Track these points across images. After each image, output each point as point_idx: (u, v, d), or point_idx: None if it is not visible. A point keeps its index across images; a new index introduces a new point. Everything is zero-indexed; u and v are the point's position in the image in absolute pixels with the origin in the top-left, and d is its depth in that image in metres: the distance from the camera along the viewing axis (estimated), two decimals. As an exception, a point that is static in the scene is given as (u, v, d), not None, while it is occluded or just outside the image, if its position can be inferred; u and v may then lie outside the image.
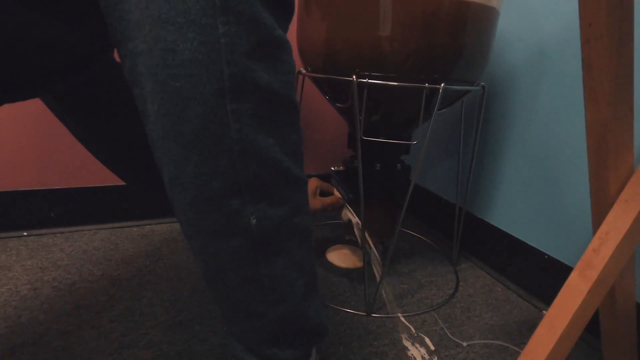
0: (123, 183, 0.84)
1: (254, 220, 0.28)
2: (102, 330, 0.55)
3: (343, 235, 0.75)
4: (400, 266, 0.79)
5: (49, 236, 0.79)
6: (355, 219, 0.68)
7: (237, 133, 0.25)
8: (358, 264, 0.76)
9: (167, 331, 0.55)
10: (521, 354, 0.35)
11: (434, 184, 0.97)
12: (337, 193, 0.70)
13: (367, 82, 0.56)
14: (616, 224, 0.33)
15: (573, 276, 0.34)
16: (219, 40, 0.23)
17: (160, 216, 0.90)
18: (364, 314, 0.62)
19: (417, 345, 0.56)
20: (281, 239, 0.29)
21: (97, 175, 0.83)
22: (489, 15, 0.57)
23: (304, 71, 0.66)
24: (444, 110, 0.69)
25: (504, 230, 0.76)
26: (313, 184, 0.71)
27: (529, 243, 0.71)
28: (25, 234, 0.79)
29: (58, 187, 0.80)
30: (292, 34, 0.88)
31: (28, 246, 0.75)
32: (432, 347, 0.56)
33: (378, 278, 0.64)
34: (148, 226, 0.88)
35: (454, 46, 0.56)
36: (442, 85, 0.56)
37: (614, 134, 0.32)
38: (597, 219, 0.35)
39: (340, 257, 0.77)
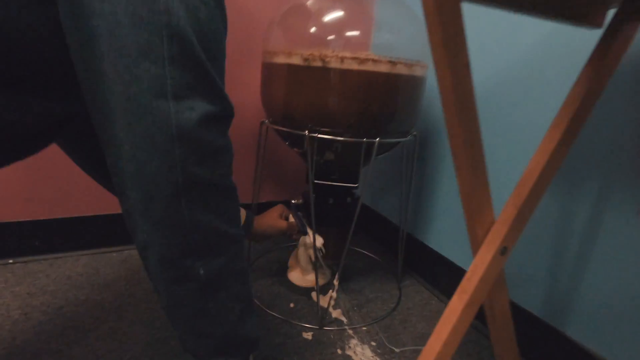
0: (103, 213, 0.93)
1: (202, 271, 0.40)
2: (90, 348, 0.63)
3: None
4: (353, 283, 0.91)
5: (34, 263, 0.87)
6: (310, 240, 0.80)
7: (189, 216, 0.37)
8: (313, 283, 0.87)
9: (147, 348, 0.65)
10: (420, 354, 0.47)
11: (385, 208, 1.11)
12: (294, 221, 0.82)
13: (317, 136, 0.69)
14: (481, 261, 0.46)
15: (454, 298, 0.47)
16: (175, 159, 0.35)
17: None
18: (317, 327, 0.74)
19: (360, 353, 0.68)
20: (222, 280, 0.41)
21: (79, 206, 0.91)
22: (415, 83, 0.71)
23: (266, 121, 0.78)
24: (384, 154, 0.83)
25: (438, 251, 0.90)
26: (280, 209, 0.83)
27: (456, 263, 0.85)
28: (11, 261, 0.86)
29: (42, 218, 0.88)
30: (256, 89, 1.00)
31: (15, 273, 0.82)
32: (371, 354, 0.68)
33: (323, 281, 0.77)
34: (126, 251, 0.96)
35: (387, 109, 0.69)
36: (377, 139, 0.69)
37: (476, 197, 0.45)
38: (474, 256, 0.49)
39: (299, 276, 0.88)
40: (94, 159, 0.55)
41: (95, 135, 0.52)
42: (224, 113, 0.38)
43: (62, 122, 0.42)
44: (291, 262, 0.91)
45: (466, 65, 0.38)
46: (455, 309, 0.46)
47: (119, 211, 1.00)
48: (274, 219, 0.81)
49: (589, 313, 0.60)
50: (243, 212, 0.75)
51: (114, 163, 0.36)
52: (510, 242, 0.46)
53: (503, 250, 0.46)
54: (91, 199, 0.92)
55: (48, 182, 0.87)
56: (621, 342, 0.56)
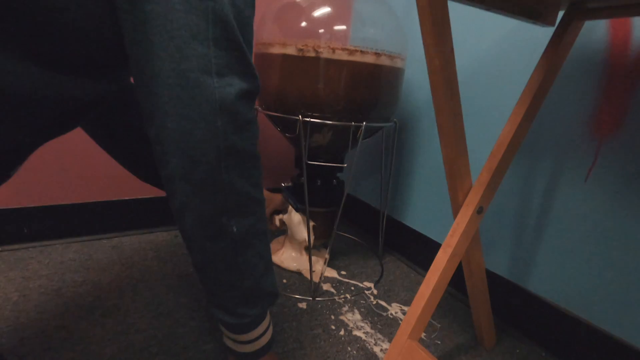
0: (92, 200, 0.94)
1: (235, 228, 0.44)
2: (96, 322, 0.66)
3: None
4: (339, 262, 0.98)
5: (22, 251, 0.86)
6: (298, 219, 0.86)
7: (227, 179, 0.42)
8: (303, 265, 0.91)
9: (152, 320, 0.68)
10: (411, 304, 0.55)
11: (365, 194, 1.19)
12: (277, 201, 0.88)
13: (309, 120, 0.75)
14: (462, 219, 0.55)
15: (439, 252, 0.55)
16: (218, 128, 0.40)
17: (126, 229, 1.00)
18: (310, 298, 0.80)
19: (351, 318, 0.75)
20: (250, 237, 0.47)
21: (68, 193, 0.92)
22: (396, 73, 0.79)
23: (259, 108, 0.83)
24: (368, 139, 0.90)
25: (416, 229, 0.99)
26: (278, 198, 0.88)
27: (433, 238, 0.94)
28: (-1, 249, 0.85)
29: (31, 205, 0.88)
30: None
31: (4, 260, 0.82)
32: (361, 318, 0.75)
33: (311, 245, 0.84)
34: (116, 238, 0.97)
35: (371, 96, 0.77)
36: (364, 123, 0.76)
37: (457, 164, 0.53)
38: (455, 217, 0.57)
39: (287, 258, 0.93)
40: (120, 140, 0.59)
41: (123, 116, 0.56)
42: (255, 90, 0.43)
43: (98, 102, 0.46)
44: (276, 246, 0.96)
45: (451, 50, 0.46)
46: (441, 260, 0.54)
47: (109, 198, 1.01)
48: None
49: (548, 270, 0.70)
50: None
51: (157, 132, 0.40)
52: (485, 202, 0.55)
53: (480, 210, 0.55)
54: (81, 186, 0.93)
55: (36, 169, 0.88)
56: (576, 291, 0.66)
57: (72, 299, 0.72)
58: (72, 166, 0.91)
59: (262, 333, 0.52)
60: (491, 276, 0.78)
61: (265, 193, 0.85)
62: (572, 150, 0.65)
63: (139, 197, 1.01)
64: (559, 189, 0.67)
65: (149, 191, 1.02)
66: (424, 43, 0.45)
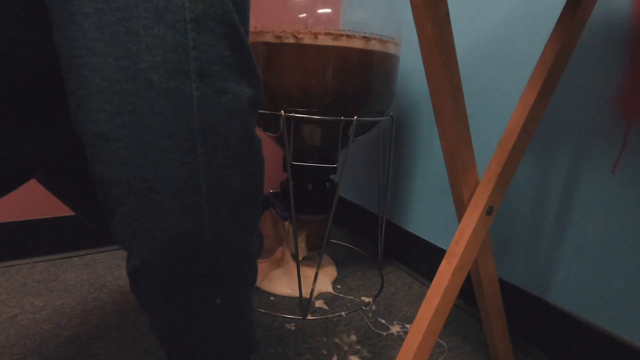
0: (60, 215, 0.86)
1: (218, 300, 0.31)
2: (50, 355, 0.57)
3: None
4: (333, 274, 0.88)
5: (-18, 272, 0.78)
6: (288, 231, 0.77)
7: (212, 235, 0.28)
8: (292, 288, 0.80)
9: (117, 350, 0.59)
10: (412, 324, 0.45)
11: (362, 198, 1.09)
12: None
13: (293, 115, 0.66)
14: (468, 223, 0.45)
15: (443, 263, 0.46)
16: (197, 159, 0.26)
17: (102, 245, 0.92)
18: (300, 317, 0.71)
19: (346, 339, 0.66)
20: (237, 304, 0.33)
21: (33, 208, 0.84)
22: (389, 60, 0.71)
23: (238, 106, 0.75)
24: (360, 137, 0.82)
25: (419, 235, 0.89)
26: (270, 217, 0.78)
27: (438, 245, 0.84)
28: (-44, 271, 0.77)
29: (-8, 222, 0.80)
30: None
31: (-40, 283, 0.74)
32: (357, 340, 0.65)
33: (301, 257, 0.75)
34: (89, 255, 0.89)
35: (363, 86, 0.68)
36: (355, 117, 0.68)
37: (460, 156, 0.44)
38: (459, 220, 0.48)
39: (270, 279, 0.82)
40: (78, 192, 0.46)
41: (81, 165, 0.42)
42: (259, 99, 0.30)
43: (51, 155, 0.33)
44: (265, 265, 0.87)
45: (446, 15, 0.38)
46: (445, 273, 0.45)
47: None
48: (270, 232, 0.77)
49: (570, 278, 0.60)
50: None
51: (95, 168, 0.27)
52: (495, 201, 0.46)
53: (489, 210, 0.46)
54: (48, 200, 0.85)
55: None
56: (602, 303, 0.56)
57: (27, 327, 0.63)
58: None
59: None
60: (504, 286, 0.69)
61: (266, 227, 0.75)
62: (596, 136, 0.56)
63: (115, 209, 0.93)
64: (581, 182, 0.58)
65: (126, 202, 0.93)
66: (412, 5, 0.37)
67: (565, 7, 0.46)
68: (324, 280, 0.83)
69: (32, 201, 0.83)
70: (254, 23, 0.67)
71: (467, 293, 0.74)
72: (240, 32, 0.27)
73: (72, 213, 0.87)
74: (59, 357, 0.57)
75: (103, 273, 0.82)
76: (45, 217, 0.85)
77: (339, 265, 0.92)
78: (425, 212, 0.88)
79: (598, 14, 0.54)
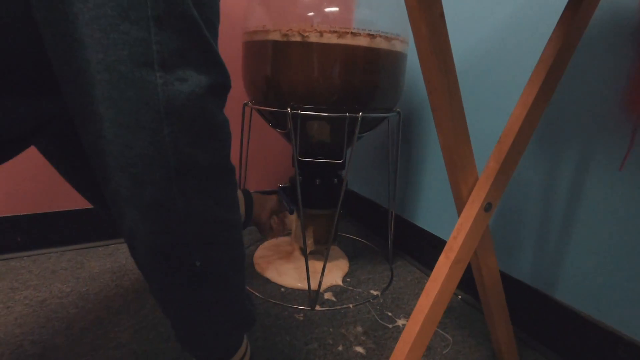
0: (86, 207, 0.91)
1: (198, 262, 0.35)
2: (74, 337, 0.62)
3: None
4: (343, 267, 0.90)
5: (16, 260, 0.84)
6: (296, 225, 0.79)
7: (183, 203, 0.32)
8: (301, 282, 0.81)
9: (135, 334, 0.63)
10: (410, 317, 0.47)
11: (373, 193, 1.10)
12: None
13: (299, 112, 0.68)
14: (466, 218, 0.46)
15: (441, 257, 0.47)
16: (165, 138, 0.30)
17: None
18: (308, 308, 0.73)
19: (352, 331, 0.68)
20: (219, 270, 0.37)
21: (62, 200, 0.89)
22: (395, 57, 0.71)
23: (249, 103, 0.78)
24: (369, 132, 0.83)
25: (428, 230, 0.90)
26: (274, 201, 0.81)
27: (446, 240, 0.85)
28: (-8, 259, 0.84)
29: (23, 214, 0.86)
30: (237, 71, 1.00)
31: (-4, 270, 0.80)
32: (363, 331, 0.67)
33: (308, 251, 0.77)
34: (112, 245, 0.94)
35: (369, 83, 0.69)
36: (360, 114, 0.69)
37: (458, 153, 0.45)
38: (459, 215, 0.49)
39: (280, 273, 0.84)
40: (75, 165, 0.50)
41: (75, 139, 0.45)
42: (222, 83, 0.33)
43: (45, 122, 0.38)
44: (270, 253, 0.90)
45: (441, 15, 0.38)
46: (443, 267, 0.46)
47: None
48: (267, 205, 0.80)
49: (576, 275, 0.60)
50: (241, 196, 0.73)
51: (93, 142, 0.31)
52: (494, 198, 0.46)
53: (487, 207, 0.46)
54: (75, 192, 0.90)
55: (30, 176, 0.85)
56: (609, 301, 0.56)
57: (55, 311, 0.68)
58: (65, 172, 0.89)
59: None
60: (510, 282, 0.69)
61: (258, 196, 0.79)
62: (603, 133, 0.55)
63: (136, 202, 0.97)
64: (587, 179, 0.57)
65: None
66: (407, 6, 0.38)
67: (568, 5, 0.46)
68: (336, 273, 0.85)
69: (61, 194, 0.88)
70: (262, 22, 0.69)
71: (474, 287, 0.75)
72: (199, 25, 0.31)
73: (96, 206, 0.93)
74: (83, 339, 0.61)
75: (125, 262, 0.86)
76: (72, 209, 0.90)
77: (349, 259, 0.94)
78: (435, 207, 0.88)
79: (605, 11, 0.53)
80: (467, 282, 0.75)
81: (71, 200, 0.90)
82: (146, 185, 0.31)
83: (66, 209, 0.90)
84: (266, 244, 0.98)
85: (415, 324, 0.45)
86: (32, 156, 0.85)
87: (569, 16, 0.45)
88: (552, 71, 0.45)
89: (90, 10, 0.28)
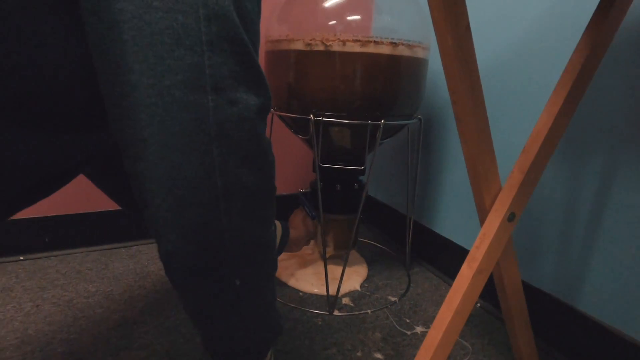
0: (109, 209, 0.94)
1: (237, 282, 0.36)
2: (101, 336, 0.64)
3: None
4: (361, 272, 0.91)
5: (44, 259, 0.87)
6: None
7: (227, 224, 0.33)
8: (319, 287, 0.81)
9: (158, 335, 0.65)
10: (431, 326, 0.47)
11: (392, 199, 1.10)
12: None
13: (322, 120, 0.69)
14: (489, 228, 0.46)
15: (463, 267, 0.47)
16: (214, 160, 0.31)
17: (146, 237, 0.99)
18: (327, 313, 0.74)
19: (370, 337, 0.68)
20: (257, 287, 0.39)
21: (87, 202, 0.92)
22: (417, 64, 0.72)
23: (271, 109, 0.79)
24: (389, 139, 0.83)
25: (447, 237, 0.90)
26: (300, 215, 0.83)
27: (466, 248, 0.84)
28: (22, 258, 0.87)
29: (52, 214, 0.89)
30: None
31: (26, 269, 0.83)
32: (381, 337, 0.68)
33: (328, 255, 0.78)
34: (135, 247, 0.96)
35: (390, 90, 0.70)
36: (382, 121, 0.69)
37: (482, 163, 0.45)
38: (481, 225, 0.49)
39: (298, 278, 0.85)
40: (119, 186, 0.53)
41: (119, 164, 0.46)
42: (268, 104, 0.34)
43: (95, 154, 0.39)
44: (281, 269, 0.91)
45: (467, 28, 0.39)
46: (465, 277, 0.46)
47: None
48: (299, 225, 0.81)
49: (601, 286, 0.59)
50: (278, 225, 0.74)
51: (134, 167, 0.31)
52: (517, 208, 0.46)
53: (511, 217, 0.46)
54: (100, 195, 0.93)
55: (57, 179, 0.89)
56: (634, 313, 0.55)
57: (82, 310, 0.70)
58: (91, 175, 0.92)
59: None
60: (532, 291, 0.68)
61: (296, 221, 0.79)
62: (629, 139, 0.54)
63: (158, 205, 1.00)
64: (614, 187, 0.57)
65: (168, 199, 1.00)
66: (432, 19, 0.38)
67: (597, 11, 0.45)
68: (354, 279, 0.85)
69: (86, 197, 0.91)
70: (285, 31, 0.70)
71: (494, 295, 0.74)
72: (249, 49, 0.32)
73: (120, 208, 0.95)
74: (109, 338, 0.63)
75: (147, 263, 0.89)
76: (97, 210, 0.93)
77: (367, 264, 0.94)
78: (454, 214, 0.88)
79: (634, 16, 0.53)
80: (486, 290, 0.74)
81: (95, 203, 0.93)
82: (192, 206, 0.31)
83: (90, 211, 0.93)
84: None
85: (437, 333, 0.45)
86: (61, 159, 0.88)
87: (597, 24, 0.45)
88: (578, 81, 0.45)
89: (145, 37, 0.28)
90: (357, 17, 0.68)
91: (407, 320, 0.73)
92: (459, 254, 0.85)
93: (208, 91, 0.30)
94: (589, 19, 0.46)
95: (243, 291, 0.37)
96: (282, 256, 0.94)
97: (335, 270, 0.87)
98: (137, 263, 0.89)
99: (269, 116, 0.81)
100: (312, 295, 0.80)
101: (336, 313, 0.74)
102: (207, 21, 0.29)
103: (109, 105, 0.31)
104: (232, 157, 0.32)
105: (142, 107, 0.29)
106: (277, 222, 0.73)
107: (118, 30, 0.28)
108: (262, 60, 0.78)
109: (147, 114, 0.29)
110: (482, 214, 0.48)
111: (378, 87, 0.69)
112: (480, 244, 0.46)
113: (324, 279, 0.76)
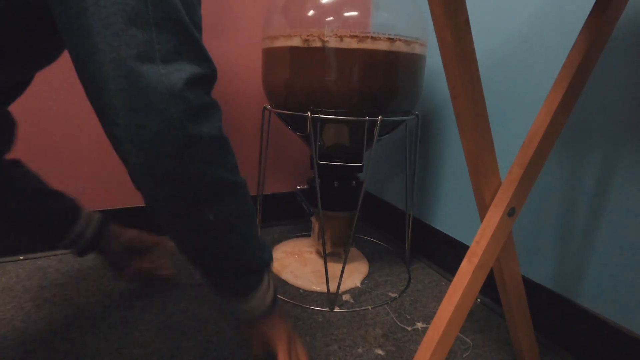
0: (109, 207, 0.94)
1: (211, 216, 0.43)
2: (102, 335, 0.64)
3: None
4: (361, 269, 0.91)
5: (43, 259, 0.87)
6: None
7: (193, 169, 0.39)
8: (319, 286, 0.81)
9: (159, 333, 0.65)
10: (432, 321, 0.47)
11: (390, 195, 1.10)
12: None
13: (319, 116, 0.69)
14: (490, 223, 0.46)
15: (464, 262, 0.47)
16: (172, 116, 0.37)
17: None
18: (328, 309, 0.74)
19: (371, 333, 0.68)
20: (233, 223, 0.45)
21: (87, 201, 0.92)
22: (415, 60, 0.71)
23: (269, 107, 0.79)
24: (387, 135, 0.83)
25: (446, 233, 0.90)
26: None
27: (466, 243, 0.85)
28: (21, 257, 0.87)
29: (51, 214, 0.88)
30: (258, 77, 1.01)
31: (25, 269, 0.83)
32: (382, 334, 0.68)
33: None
34: (134, 245, 0.96)
35: (388, 86, 0.69)
36: (380, 117, 0.69)
37: (482, 159, 0.45)
38: (481, 220, 0.49)
39: (296, 276, 0.84)
40: None
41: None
42: (209, 74, 0.41)
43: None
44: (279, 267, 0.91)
45: (466, 22, 0.39)
46: (466, 272, 0.46)
47: (127, 205, 1.00)
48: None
49: (601, 280, 0.59)
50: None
51: (111, 131, 0.38)
52: (517, 203, 0.46)
53: (511, 212, 0.46)
54: (97, 194, 0.93)
55: (55, 179, 0.88)
56: (634, 307, 0.55)
57: (83, 309, 0.70)
58: (88, 174, 0.91)
59: (264, 296, 0.53)
60: (532, 286, 0.68)
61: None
62: (629, 135, 0.54)
63: (157, 203, 0.99)
64: (614, 182, 0.57)
65: (167, 197, 1.00)
66: (432, 14, 0.38)
67: (595, 7, 0.45)
68: (355, 276, 0.85)
69: (86, 196, 0.91)
70: (282, 28, 0.70)
71: (495, 291, 0.74)
72: (190, 29, 0.38)
73: (120, 205, 0.95)
74: (110, 337, 0.63)
75: (147, 262, 0.88)
76: (96, 209, 0.93)
77: (367, 261, 0.94)
78: (453, 210, 0.88)
79: (632, 12, 0.52)
80: (486, 285, 0.75)
81: (95, 202, 0.93)
82: (162, 157, 0.37)
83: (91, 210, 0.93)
84: (281, 246, 0.99)
85: (438, 328, 0.46)
86: (57, 158, 0.87)
87: (595, 20, 0.45)
88: (577, 76, 0.45)
89: (104, 19, 0.34)
90: (355, 13, 0.68)
91: (408, 316, 0.73)
92: (458, 250, 0.85)
93: (158, 62, 0.36)
94: (587, 14, 0.46)
95: (219, 225, 0.44)
96: (281, 254, 0.94)
97: (334, 267, 0.87)
98: (137, 262, 0.88)
99: (267, 113, 0.81)
100: (312, 292, 0.80)
101: (337, 310, 0.74)
102: (153, 5, 0.35)
103: (84, 80, 0.38)
104: (185, 113, 0.37)
105: (109, 79, 0.35)
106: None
107: (83, 16, 0.35)
108: (259, 57, 0.78)
109: (114, 84, 0.35)
110: (482, 209, 0.48)
111: (375, 83, 0.68)
112: (481, 239, 0.46)
113: (324, 277, 0.76)
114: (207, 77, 0.40)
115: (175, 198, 0.40)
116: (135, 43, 0.35)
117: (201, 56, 0.40)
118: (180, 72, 0.37)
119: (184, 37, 0.38)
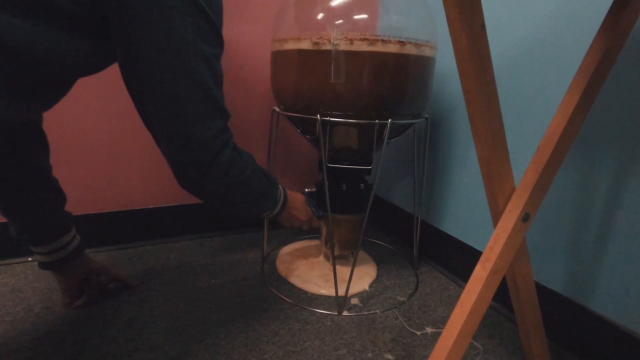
0: (118, 209, 0.94)
1: (248, 173, 0.61)
2: (111, 337, 0.64)
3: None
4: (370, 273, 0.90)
5: (52, 260, 0.87)
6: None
7: (219, 179, 0.57)
8: (327, 290, 0.81)
9: (167, 336, 0.65)
10: (444, 328, 0.47)
11: (398, 198, 1.10)
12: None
13: (329, 119, 0.69)
14: (504, 228, 0.46)
15: (477, 267, 0.46)
16: (198, 74, 0.51)
17: (151, 238, 0.99)
18: (336, 313, 0.73)
19: (380, 335, 0.68)
20: (248, 177, 0.61)
21: (95, 203, 0.92)
22: (424, 63, 0.71)
23: (277, 109, 0.79)
24: (396, 138, 0.82)
25: (455, 236, 0.89)
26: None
27: (474, 247, 0.84)
28: (30, 259, 0.87)
29: (59, 216, 0.89)
30: (266, 79, 1.01)
31: (34, 270, 0.83)
32: (391, 338, 0.67)
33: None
34: (141, 247, 0.96)
35: (397, 89, 0.69)
36: (390, 120, 0.69)
37: (496, 164, 0.45)
38: (495, 225, 0.48)
39: (309, 285, 0.83)
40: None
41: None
42: (220, 52, 0.54)
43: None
44: (294, 260, 0.90)
45: (482, 27, 0.38)
46: (479, 278, 0.45)
47: (134, 207, 1.00)
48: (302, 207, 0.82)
49: (613, 286, 0.58)
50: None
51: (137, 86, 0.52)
52: (532, 208, 0.46)
53: (525, 217, 0.46)
54: (107, 195, 0.93)
55: (64, 180, 0.88)
56: (649, 313, 0.55)
57: (92, 312, 0.70)
58: (99, 175, 0.92)
59: (279, 201, 0.72)
60: (544, 292, 0.67)
61: (300, 201, 0.81)
62: (643, 142, 0.54)
63: (164, 205, 1.00)
64: (627, 186, 0.56)
65: (174, 199, 1.00)
66: (447, 18, 0.38)
67: (611, 9, 0.45)
68: (364, 280, 0.85)
69: (93, 198, 0.91)
70: (291, 31, 0.70)
71: (505, 296, 0.74)
72: (213, 20, 0.50)
73: (126, 208, 0.95)
74: (119, 339, 0.63)
75: (154, 264, 0.89)
76: (104, 211, 0.93)
77: (376, 264, 0.94)
78: (462, 214, 0.87)
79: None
80: (497, 290, 0.74)
81: (102, 204, 0.93)
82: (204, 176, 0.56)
83: (97, 212, 0.93)
84: (287, 248, 0.98)
85: (450, 335, 0.45)
86: (62, 160, 0.88)
87: (611, 23, 0.44)
88: (593, 80, 0.44)
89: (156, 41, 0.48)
90: (364, 15, 0.68)
91: (417, 321, 0.73)
92: (467, 253, 0.85)
93: (192, 58, 0.49)
94: (603, 17, 0.45)
95: (245, 180, 0.61)
96: (288, 257, 0.94)
97: (343, 271, 0.86)
98: (145, 264, 0.88)
99: (275, 116, 0.81)
100: (320, 296, 0.80)
101: (345, 313, 0.74)
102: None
103: (139, 91, 0.52)
104: (212, 79, 0.53)
105: (158, 85, 0.49)
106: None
107: (140, 60, 0.49)
108: (268, 60, 0.78)
109: (162, 87, 0.49)
110: (496, 214, 0.47)
111: (385, 86, 0.68)
112: (495, 244, 0.45)
113: (332, 280, 0.76)
114: (218, 54, 0.54)
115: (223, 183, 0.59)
116: (178, 48, 0.48)
117: (217, 41, 0.53)
118: (207, 60, 0.51)
119: (209, 32, 0.51)
